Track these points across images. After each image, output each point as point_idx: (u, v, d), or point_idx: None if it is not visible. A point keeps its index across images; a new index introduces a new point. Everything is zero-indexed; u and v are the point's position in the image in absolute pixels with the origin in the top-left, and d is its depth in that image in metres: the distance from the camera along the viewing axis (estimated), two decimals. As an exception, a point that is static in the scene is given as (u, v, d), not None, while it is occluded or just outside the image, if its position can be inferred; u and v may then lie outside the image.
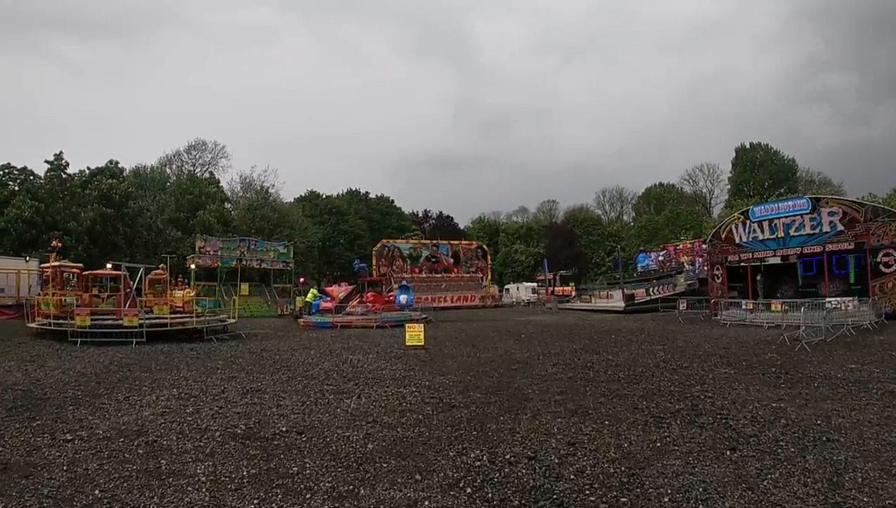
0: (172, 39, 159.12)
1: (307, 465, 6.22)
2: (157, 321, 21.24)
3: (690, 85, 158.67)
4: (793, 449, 6.57)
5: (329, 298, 33.83)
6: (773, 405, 8.77)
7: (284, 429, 7.72)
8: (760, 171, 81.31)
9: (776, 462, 6.17)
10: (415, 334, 17.42)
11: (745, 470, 5.91)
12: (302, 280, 50.94)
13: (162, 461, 6.40)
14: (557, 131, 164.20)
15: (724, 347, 16.16)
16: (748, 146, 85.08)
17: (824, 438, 6.98)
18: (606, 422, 7.86)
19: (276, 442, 7.13)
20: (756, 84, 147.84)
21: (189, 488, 5.56)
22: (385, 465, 6.19)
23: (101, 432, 7.66)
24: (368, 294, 32.71)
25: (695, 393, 9.82)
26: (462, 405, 9.10)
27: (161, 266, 27.15)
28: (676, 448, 6.69)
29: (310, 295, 34.50)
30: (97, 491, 5.50)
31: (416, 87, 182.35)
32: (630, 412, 8.49)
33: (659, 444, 6.83)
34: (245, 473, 5.98)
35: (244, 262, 46.37)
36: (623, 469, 5.98)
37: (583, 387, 10.47)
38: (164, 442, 7.15)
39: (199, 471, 6.05)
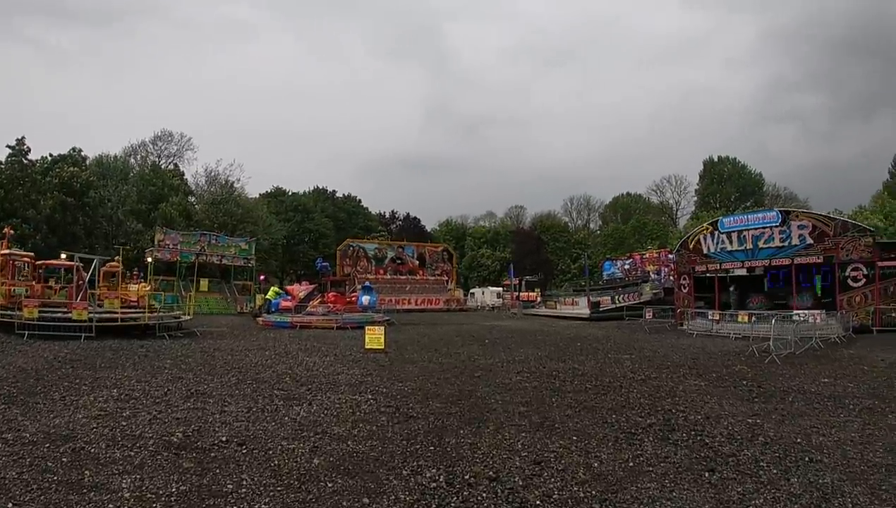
0: (151, 31, 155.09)
1: (244, 482, 5.55)
2: (108, 315, 20.27)
3: (666, 99, 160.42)
4: (775, 471, 6.08)
5: (290, 297, 32.79)
6: (749, 420, 8.31)
7: (224, 439, 7.03)
8: (728, 185, 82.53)
9: (759, 485, 5.67)
10: (374, 337, 16.75)
11: (727, 495, 5.39)
12: (263, 277, 49.83)
13: (86, 471, 5.74)
14: (531, 138, 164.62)
15: (693, 358, 15.79)
16: (717, 159, 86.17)
17: (807, 458, 6.51)
18: (574, 438, 7.28)
19: (213, 454, 6.44)
20: (729, 101, 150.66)
21: (110, 505, 4.91)
22: (330, 484, 5.53)
23: (28, 435, 7.01)
24: (329, 294, 31.90)
25: (666, 406, 9.33)
26: (420, 415, 8.46)
27: (116, 258, 26.02)
28: (651, 468, 6.14)
29: (270, 292, 33.60)
30: (10, 505, 4.87)
31: (392, 89, 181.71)
32: (599, 426, 7.93)
33: (632, 464, 6.28)
34: (174, 490, 5.31)
35: (204, 257, 45.17)
36: (594, 493, 5.39)
37: (549, 398, 9.91)
38: (92, 450, 6.47)
39: (123, 486, 5.38)
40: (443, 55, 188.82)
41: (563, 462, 6.31)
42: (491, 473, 5.90)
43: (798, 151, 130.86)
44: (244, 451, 6.56)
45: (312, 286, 35.12)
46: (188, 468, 5.93)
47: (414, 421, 8.08)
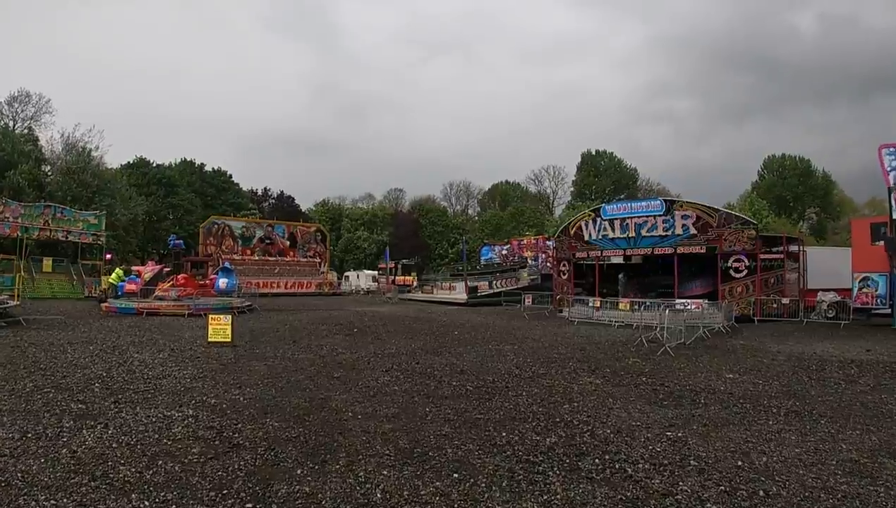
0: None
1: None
2: None
3: (548, 93, 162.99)
4: (731, 521, 4.36)
5: (139, 279, 28.95)
6: (669, 434, 6.66)
7: (-41, 496, 4.57)
8: (604, 177, 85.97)
9: (717, 548, 3.91)
10: (219, 327, 14.09)
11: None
12: (109, 256, 44.74)
13: None
14: (414, 123, 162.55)
15: (581, 349, 14.39)
16: (594, 152, 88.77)
17: (761, 492, 4.86)
18: (456, 476, 5.20)
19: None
20: (610, 98, 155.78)
21: None
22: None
23: None
24: (179, 276, 28.30)
25: (565, 415, 7.53)
26: (248, 443, 6.11)
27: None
28: (568, 528, 4.23)
29: (113, 274, 29.58)
30: None
31: (277, 64, 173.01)
32: (487, 452, 5.94)
33: (540, 521, 4.34)
34: None
35: (48, 233, 39.74)
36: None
37: (422, 407, 7.84)
38: None
39: None
40: (331, 33, 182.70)
41: (439, 524, 4.25)
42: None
43: (671, 150, 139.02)
44: (-25, 520, 4.18)
45: (160, 266, 31.37)
46: None
47: (237, 454, 5.74)
